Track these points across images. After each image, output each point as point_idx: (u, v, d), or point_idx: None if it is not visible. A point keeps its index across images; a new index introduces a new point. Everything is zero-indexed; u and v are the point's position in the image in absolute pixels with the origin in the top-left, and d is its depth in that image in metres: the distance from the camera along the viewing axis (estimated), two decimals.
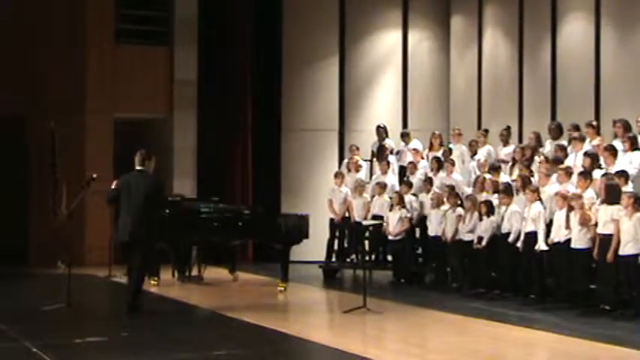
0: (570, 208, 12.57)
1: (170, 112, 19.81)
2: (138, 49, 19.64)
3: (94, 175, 13.25)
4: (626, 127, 13.83)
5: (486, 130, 17.14)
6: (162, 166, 19.93)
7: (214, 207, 15.36)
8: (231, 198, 18.21)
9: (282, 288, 14.47)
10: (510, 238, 13.53)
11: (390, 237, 15.77)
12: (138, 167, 12.10)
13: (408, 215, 15.71)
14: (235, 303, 13.36)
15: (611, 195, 12.11)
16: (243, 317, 11.66)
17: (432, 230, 15.18)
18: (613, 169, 12.92)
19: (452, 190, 15.03)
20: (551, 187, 13.49)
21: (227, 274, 16.02)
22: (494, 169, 15.08)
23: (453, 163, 16.18)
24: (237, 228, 14.60)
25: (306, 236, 14.88)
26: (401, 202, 15.69)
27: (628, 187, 12.27)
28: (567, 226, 12.56)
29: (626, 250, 11.76)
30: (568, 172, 13.38)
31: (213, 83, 19.78)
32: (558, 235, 12.71)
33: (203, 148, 19.76)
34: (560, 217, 12.75)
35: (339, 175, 17.36)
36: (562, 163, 13.97)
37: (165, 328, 11.07)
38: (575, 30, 16.83)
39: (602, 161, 13.37)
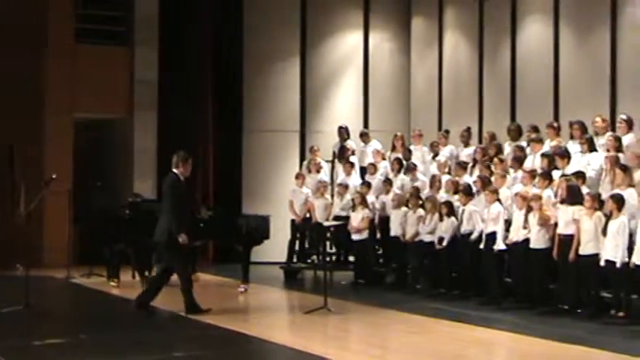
0: (529, 209, 12.67)
1: (130, 112, 19.72)
2: (98, 49, 19.53)
3: (54, 176, 13.17)
4: (583, 128, 13.97)
5: (447, 131, 17.23)
6: (122, 166, 19.94)
7: None
8: (191, 199, 18.10)
9: (243, 289, 14.46)
10: (472, 237, 13.62)
11: (353, 237, 15.79)
12: (172, 169, 12.15)
13: (370, 215, 15.74)
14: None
15: (572, 195, 12.20)
16: (203, 318, 11.63)
17: (393, 231, 15.23)
18: (567, 171, 13.03)
19: (413, 191, 15.09)
20: (512, 188, 13.60)
21: None
22: (462, 167, 15.15)
23: (415, 166, 16.23)
24: (197, 229, 14.54)
25: (267, 237, 14.89)
26: (363, 202, 15.73)
27: (585, 188, 12.38)
28: (525, 226, 12.66)
29: (586, 249, 11.86)
30: (532, 174, 13.47)
31: (174, 84, 19.69)
32: (517, 234, 12.81)
33: (164, 148, 19.64)
34: (519, 217, 12.85)
35: (299, 176, 17.37)
36: (522, 163, 14.09)
37: (125, 329, 11.02)
38: (535, 32, 16.96)
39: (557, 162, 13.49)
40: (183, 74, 19.75)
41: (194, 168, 19.53)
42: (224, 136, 19.76)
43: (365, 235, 15.73)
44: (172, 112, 19.69)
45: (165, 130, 19.68)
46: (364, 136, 18.11)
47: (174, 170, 12.16)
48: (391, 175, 16.44)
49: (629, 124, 13.53)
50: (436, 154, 16.51)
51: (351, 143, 17.99)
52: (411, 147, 17.23)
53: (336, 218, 16.14)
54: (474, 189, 14.04)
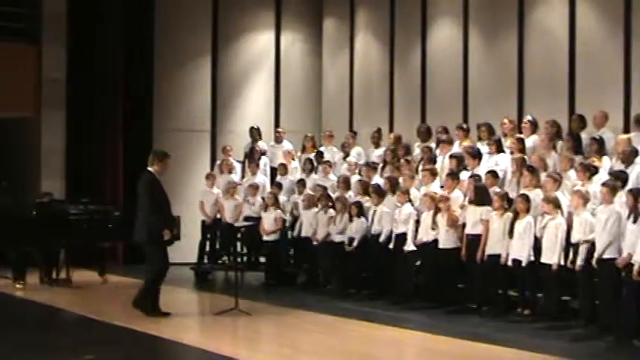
0: (438, 209, 12.82)
1: (38, 111, 19.38)
2: (4, 47, 19.13)
3: None
4: (490, 130, 14.23)
5: (355, 132, 17.38)
6: (30, 166, 19.58)
7: (83, 208, 15.09)
8: (101, 199, 17.91)
9: None
10: (381, 239, 13.72)
11: (264, 238, 15.78)
12: (148, 168, 12.03)
13: (283, 216, 15.76)
14: (105, 306, 13.20)
15: (480, 196, 12.40)
16: (113, 320, 11.53)
17: (304, 231, 15.27)
18: (477, 171, 13.24)
19: (324, 192, 15.15)
20: (421, 189, 13.76)
21: (97, 276, 15.77)
22: (372, 168, 15.26)
23: (330, 165, 16.31)
24: (106, 229, 14.41)
25: (178, 238, 14.77)
26: (276, 203, 15.73)
27: (495, 188, 12.58)
28: (433, 227, 12.81)
29: (494, 249, 12.06)
30: (433, 172, 13.67)
31: (83, 82, 19.42)
32: (426, 235, 12.95)
33: (72, 148, 19.39)
34: (427, 217, 13.00)
35: (210, 177, 17.32)
36: (434, 164, 14.28)
37: (33, 332, 10.85)
38: (444, 35, 17.20)
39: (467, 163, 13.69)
40: (92, 73, 19.51)
41: (103, 168, 19.57)
42: (134, 135, 19.52)
43: (276, 235, 15.74)
44: (81, 112, 19.42)
45: (74, 130, 19.41)
46: (277, 136, 18.15)
47: (150, 169, 11.99)
48: (302, 176, 16.48)
49: (534, 126, 13.83)
50: (347, 155, 16.61)
51: (262, 144, 17.99)
52: (322, 148, 17.32)
53: (247, 219, 16.11)
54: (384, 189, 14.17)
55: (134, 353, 9.73)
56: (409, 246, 13.25)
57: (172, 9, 19.67)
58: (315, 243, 14.92)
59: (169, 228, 11.93)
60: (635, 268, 9.96)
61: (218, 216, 16.94)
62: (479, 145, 14.12)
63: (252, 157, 17.58)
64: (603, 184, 10.92)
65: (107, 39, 19.60)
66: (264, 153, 17.80)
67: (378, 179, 14.88)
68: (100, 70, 19.59)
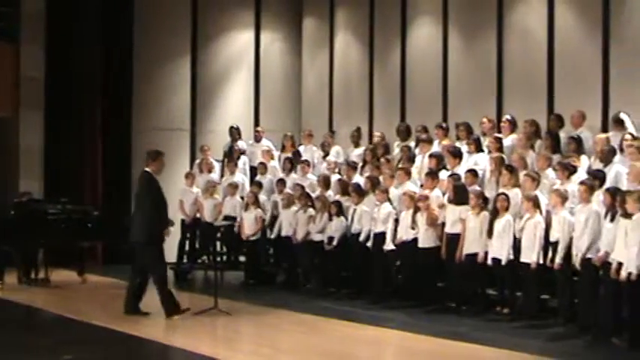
0: (417, 208, 12.86)
1: (16, 110, 19.30)
2: None
3: None
4: (469, 129, 14.30)
5: (333, 131, 17.43)
6: (8, 166, 19.49)
7: (62, 208, 15.05)
8: (79, 199, 17.85)
9: None
10: (361, 238, 13.75)
11: (244, 237, 15.78)
12: (145, 168, 11.98)
13: (263, 215, 15.77)
14: (84, 306, 13.18)
15: (459, 195, 12.46)
16: (91, 320, 11.53)
17: (284, 231, 15.28)
18: (457, 170, 13.30)
19: (303, 191, 15.17)
20: (401, 188, 13.81)
21: (76, 276, 15.73)
22: (352, 167, 15.30)
23: (308, 164, 16.33)
24: (85, 229, 14.39)
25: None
26: (256, 202, 15.74)
27: (475, 187, 12.64)
28: (413, 226, 12.85)
29: (471, 248, 12.12)
30: (407, 172, 13.72)
31: (61, 82, 19.34)
32: (406, 233, 12.99)
33: (51, 147, 19.32)
34: (406, 216, 13.04)
35: (189, 176, 17.31)
36: (413, 163, 14.33)
37: (10, 333, 10.82)
38: (424, 35, 17.26)
39: (447, 162, 13.75)
40: (70, 72, 19.42)
41: (82, 168, 19.50)
42: (113, 135, 19.48)
43: (257, 235, 15.74)
44: (60, 111, 19.34)
45: (53, 129, 19.33)
46: (256, 135, 18.17)
47: (147, 169, 11.95)
48: (282, 175, 16.50)
49: (513, 125, 13.90)
50: (327, 154, 16.66)
51: (241, 143, 18.00)
52: (301, 147, 17.35)
53: (227, 218, 16.11)
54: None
55: (113, 353, 9.74)
56: (388, 245, 13.29)
57: (151, 8, 19.63)
58: (295, 242, 14.93)
59: (166, 228, 11.92)
60: (613, 266, 10.01)
61: (197, 215, 16.93)
62: (458, 144, 14.18)
63: (231, 156, 17.59)
64: (581, 183, 11.00)
65: (85, 39, 19.53)
66: (243, 152, 17.82)
67: (358, 178, 14.91)
68: (78, 70, 19.51)
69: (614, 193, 10.40)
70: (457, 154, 13.61)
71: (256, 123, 19.81)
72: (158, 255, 11.84)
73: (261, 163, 17.06)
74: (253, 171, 17.40)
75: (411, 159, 14.55)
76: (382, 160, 14.72)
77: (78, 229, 14.52)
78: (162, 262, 11.95)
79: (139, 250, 11.85)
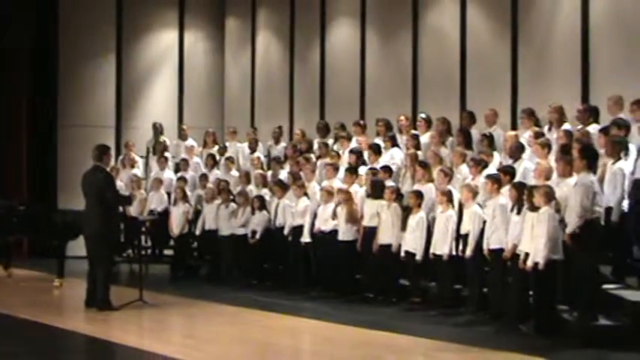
0: (338, 202, 13.22)
1: None
2: None
3: None
4: (388, 126, 14.73)
5: (255, 128, 17.76)
6: None
7: None
8: (4, 194, 17.87)
9: (58, 283, 14.48)
10: (285, 232, 14.09)
11: (172, 234, 15.98)
12: (95, 163, 11.98)
13: (190, 210, 16.01)
14: (10, 299, 13.17)
15: (376, 189, 12.85)
16: (18, 314, 11.58)
17: (207, 225, 15.54)
18: (377, 165, 13.71)
19: (225, 186, 15.46)
20: (322, 183, 14.18)
21: (1, 270, 15.71)
22: (278, 162, 15.62)
23: (232, 161, 16.61)
24: (11, 224, 14.46)
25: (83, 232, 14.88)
26: (184, 197, 15.97)
27: (390, 182, 13.08)
28: (334, 217, 13.20)
29: (384, 239, 12.55)
30: (335, 167, 14.09)
31: None
32: (324, 224, 13.34)
33: None
34: (325, 211, 13.41)
35: (113, 170, 17.33)
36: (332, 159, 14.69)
37: None
38: (342, 35, 17.65)
39: (366, 158, 14.15)
40: None
41: (7, 164, 19.46)
42: (38, 131, 19.52)
43: (185, 229, 15.97)
44: None
45: None
46: (182, 133, 18.40)
47: (99, 163, 12.05)
48: (205, 171, 16.76)
49: (428, 123, 14.35)
50: (253, 151, 16.95)
51: (165, 139, 18.18)
52: (226, 144, 17.62)
53: (151, 212, 16.29)
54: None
55: (41, 347, 9.76)
56: (305, 237, 13.67)
57: (76, 6, 19.65)
58: (219, 235, 15.19)
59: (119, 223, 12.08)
60: (521, 257, 10.33)
61: (121, 209, 17.06)
62: (377, 140, 14.58)
63: (157, 152, 17.74)
64: (487, 177, 11.41)
65: (10, 35, 19.51)
66: (166, 148, 18.00)
67: (284, 173, 15.22)
68: (4, 67, 19.49)
69: (520, 187, 10.75)
70: (377, 150, 14.02)
71: (180, 120, 20.02)
72: (108, 249, 12.02)
73: (184, 159, 17.27)
74: (176, 167, 17.62)
75: (338, 155, 14.87)
76: (301, 157, 15.07)
77: (4, 223, 14.58)
78: (112, 257, 12.05)
79: (93, 243, 11.94)
